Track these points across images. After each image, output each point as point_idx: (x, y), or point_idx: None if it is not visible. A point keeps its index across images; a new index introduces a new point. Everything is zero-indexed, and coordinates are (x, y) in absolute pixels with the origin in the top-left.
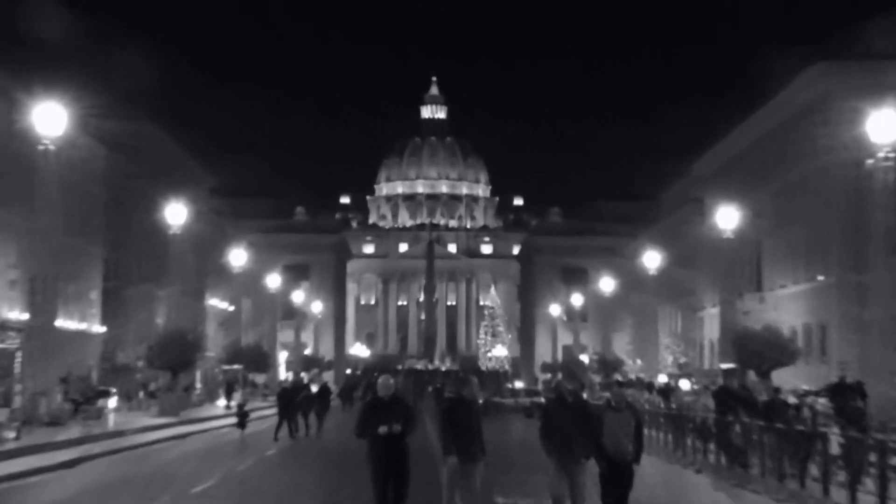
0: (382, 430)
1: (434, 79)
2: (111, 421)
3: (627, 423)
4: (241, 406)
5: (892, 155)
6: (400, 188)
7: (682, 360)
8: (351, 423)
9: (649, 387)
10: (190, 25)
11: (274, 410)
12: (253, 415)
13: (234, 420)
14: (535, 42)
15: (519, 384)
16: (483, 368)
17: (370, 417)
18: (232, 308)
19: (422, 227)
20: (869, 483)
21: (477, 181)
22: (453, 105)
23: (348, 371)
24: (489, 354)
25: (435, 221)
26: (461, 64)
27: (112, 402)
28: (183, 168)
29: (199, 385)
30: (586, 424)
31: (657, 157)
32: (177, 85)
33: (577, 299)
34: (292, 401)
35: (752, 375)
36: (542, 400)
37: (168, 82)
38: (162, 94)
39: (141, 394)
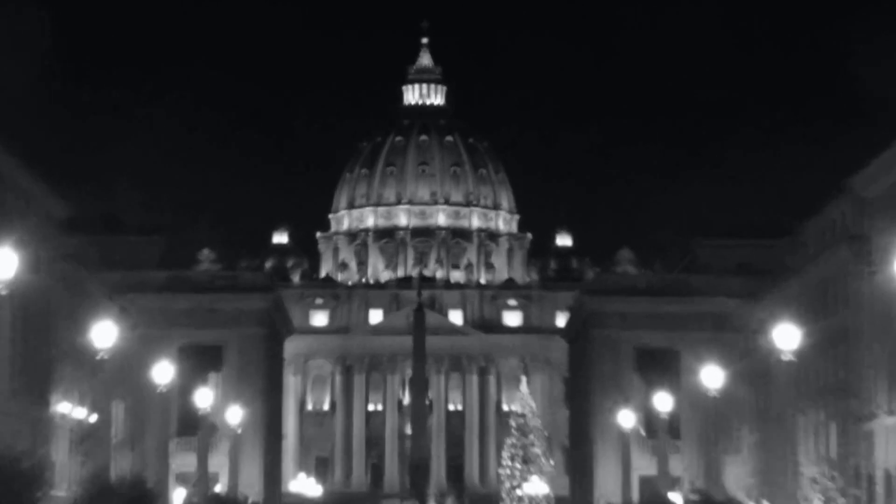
0: None
1: (425, 41)
2: None
3: None
4: None
5: None
6: (370, 219)
7: (839, 501)
8: None
9: None
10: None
11: None
12: None
13: None
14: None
15: None
16: None
17: None
18: (94, 418)
19: (405, 281)
20: None
21: (496, 207)
22: (456, 83)
23: None
24: (519, 492)
25: (428, 273)
26: (468, 20)
27: None
28: (15, 189)
29: None
30: None
31: (790, 169)
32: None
33: (663, 401)
34: None
35: None
36: None
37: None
38: None
39: None
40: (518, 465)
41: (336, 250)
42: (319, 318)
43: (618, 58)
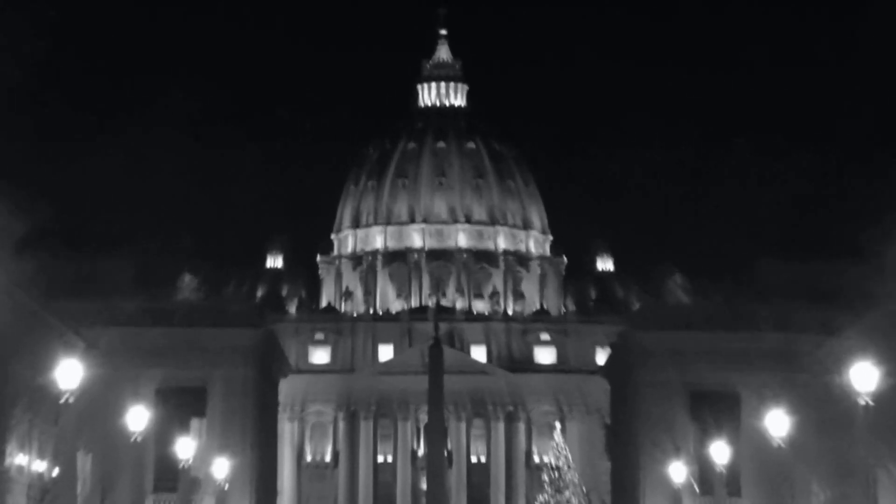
0: None
1: (443, 32)
2: None
3: None
4: None
5: None
6: (379, 239)
7: None
8: None
9: None
10: None
11: None
12: None
13: None
14: None
15: None
16: None
17: None
18: (56, 471)
19: (420, 312)
20: None
21: (526, 225)
22: (479, 81)
23: None
24: None
25: (446, 303)
26: (491, 9)
27: None
28: None
29: None
30: None
31: (852, 177)
32: None
33: (720, 452)
34: None
35: None
36: None
37: None
38: None
39: None
40: None
41: (339, 276)
42: (319, 356)
43: (666, 53)
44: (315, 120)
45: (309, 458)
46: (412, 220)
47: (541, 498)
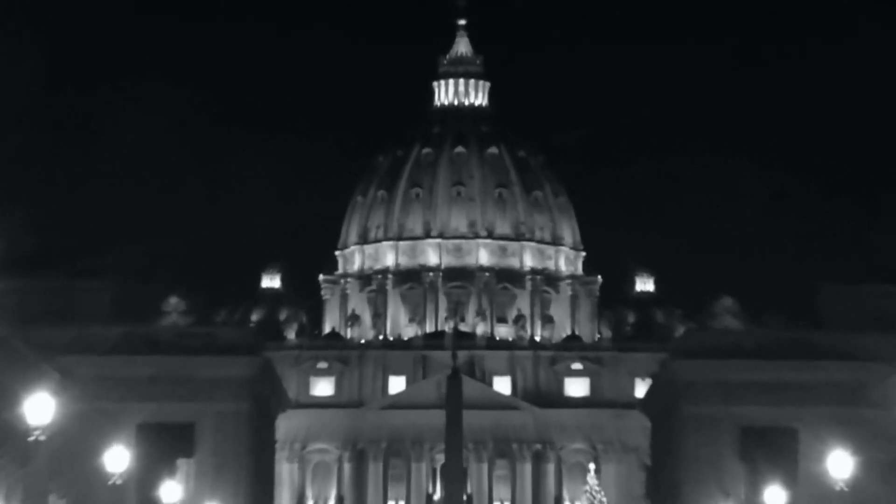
0: None
1: (462, 23)
2: None
3: None
4: None
5: None
6: (390, 256)
7: None
8: None
9: None
10: None
11: None
12: None
13: None
14: None
15: None
16: None
17: None
18: None
19: (435, 338)
20: None
21: (555, 241)
22: (503, 79)
23: None
24: None
25: (465, 328)
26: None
27: None
28: None
29: None
30: None
31: None
32: None
33: (774, 496)
34: None
35: None
36: None
37: None
38: None
39: None
40: None
41: (344, 298)
42: (322, 388)
43: (714, 45)
44: (318, 123)
45: (311, 503)
46: (427, 235)
47: None
